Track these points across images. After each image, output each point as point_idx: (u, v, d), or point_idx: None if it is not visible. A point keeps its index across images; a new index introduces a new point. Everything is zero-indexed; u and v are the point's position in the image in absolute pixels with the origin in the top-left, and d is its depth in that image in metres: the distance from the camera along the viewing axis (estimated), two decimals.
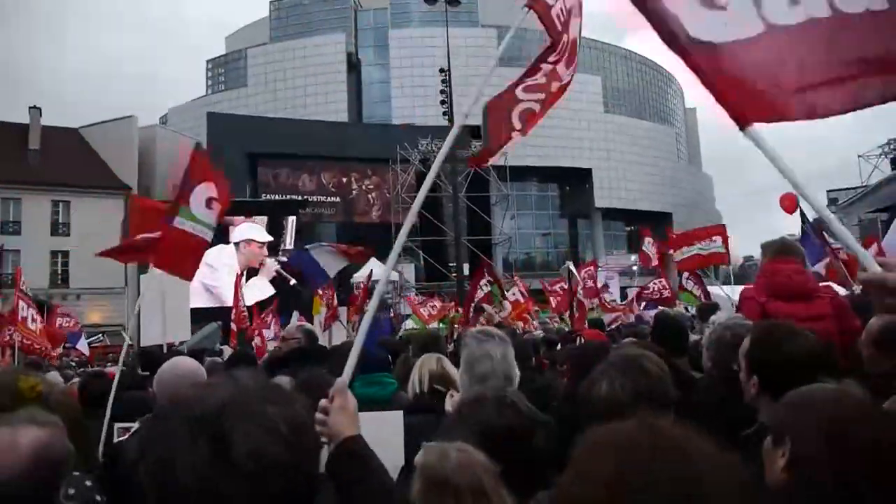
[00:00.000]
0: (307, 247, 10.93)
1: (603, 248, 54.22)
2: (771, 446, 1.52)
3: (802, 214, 10.00)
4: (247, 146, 35.62)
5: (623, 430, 0.91)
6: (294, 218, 28.05)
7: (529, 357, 4.93)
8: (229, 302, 17.26)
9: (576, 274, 12.27)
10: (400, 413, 2.28)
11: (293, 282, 25.58)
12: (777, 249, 3.99)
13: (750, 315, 3.66)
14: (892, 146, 33.02)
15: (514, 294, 13.08)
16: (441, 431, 2.12)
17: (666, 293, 12.75)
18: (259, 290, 23.53)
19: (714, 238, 11.69)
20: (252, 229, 26.03)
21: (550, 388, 4.24)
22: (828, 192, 45.43)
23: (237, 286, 14.02)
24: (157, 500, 0.95)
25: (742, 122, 1.87)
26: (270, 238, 26.25)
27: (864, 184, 31.86)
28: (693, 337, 5.40)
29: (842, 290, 7.10)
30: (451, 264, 29.93)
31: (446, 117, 28.24)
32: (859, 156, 35.78)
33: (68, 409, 2.17)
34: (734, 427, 2.49)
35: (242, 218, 26.48)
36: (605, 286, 14.63)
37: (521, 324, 13.62)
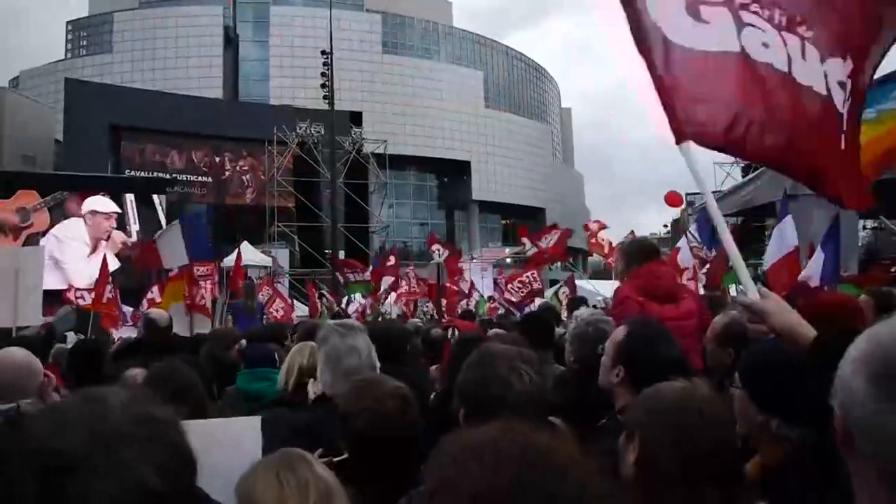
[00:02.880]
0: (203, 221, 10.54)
1: (479, 240, 55.37)
2: (624, 441, 1.59)
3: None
4: (110, 118, 33.21)
5: (486, 438, 0.88)
6: (164, 197, 26.49)
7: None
8: (78, 282, 15.94)
9: (444, 272, 12.54)
10: (257, 419, 2.19)
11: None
12: (650, 252, 4.20)
13: (630, 314, 3.86)
14: None
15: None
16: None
17: (536, 285, 13.33)
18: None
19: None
20: (96, 200, 24.64)
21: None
22: (686, 194, 48.86)
23: (104, 264, 12.50)
24: None
25: (679, 137, 2.02)
26: (117, 209, 24.91)
27: (718, 189, 34.46)
28: (559, 330, 5.61)
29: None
30: (326, 251, 29.46)
31: (326, 101, 27.72)
32: (715, 163, 38.71)
33: None
34: (593, 418, 2.61)
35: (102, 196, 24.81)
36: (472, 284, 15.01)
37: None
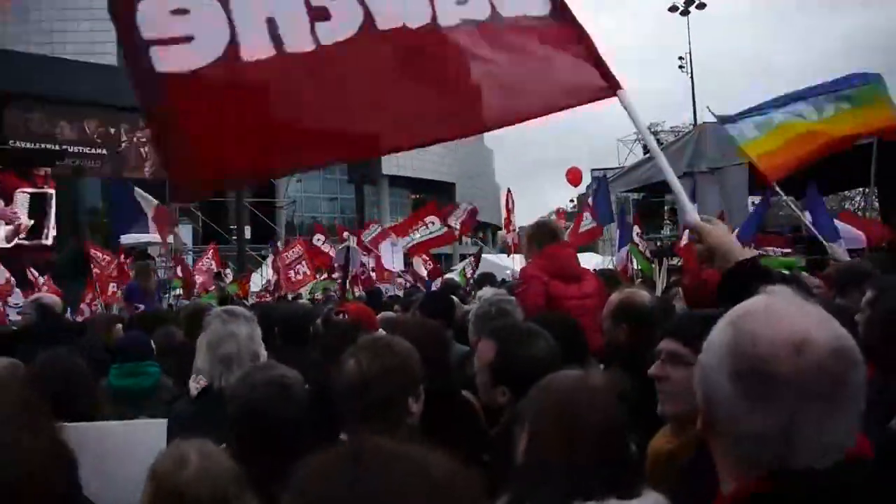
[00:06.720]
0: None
1: (389, 214, 55.14)
2: (517, 430, 1.61)
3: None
4: None
5: (330, 457, 0.90)
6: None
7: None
8: None
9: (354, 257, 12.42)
10: (163, 422, 2.07)
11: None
12: (553, 235, 4.44)
13: (536, 293, 4.03)
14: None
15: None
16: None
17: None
18: None
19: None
20: None
21: None
22: (591, 170, 50.32)
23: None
24: None
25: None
26: None
27: (621, 165, 35.65)
28: (464, 308, 5.66)
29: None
30: (231, 227, 28.60)
31: None
32: (618, 140, 40.07)
33: None
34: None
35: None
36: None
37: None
